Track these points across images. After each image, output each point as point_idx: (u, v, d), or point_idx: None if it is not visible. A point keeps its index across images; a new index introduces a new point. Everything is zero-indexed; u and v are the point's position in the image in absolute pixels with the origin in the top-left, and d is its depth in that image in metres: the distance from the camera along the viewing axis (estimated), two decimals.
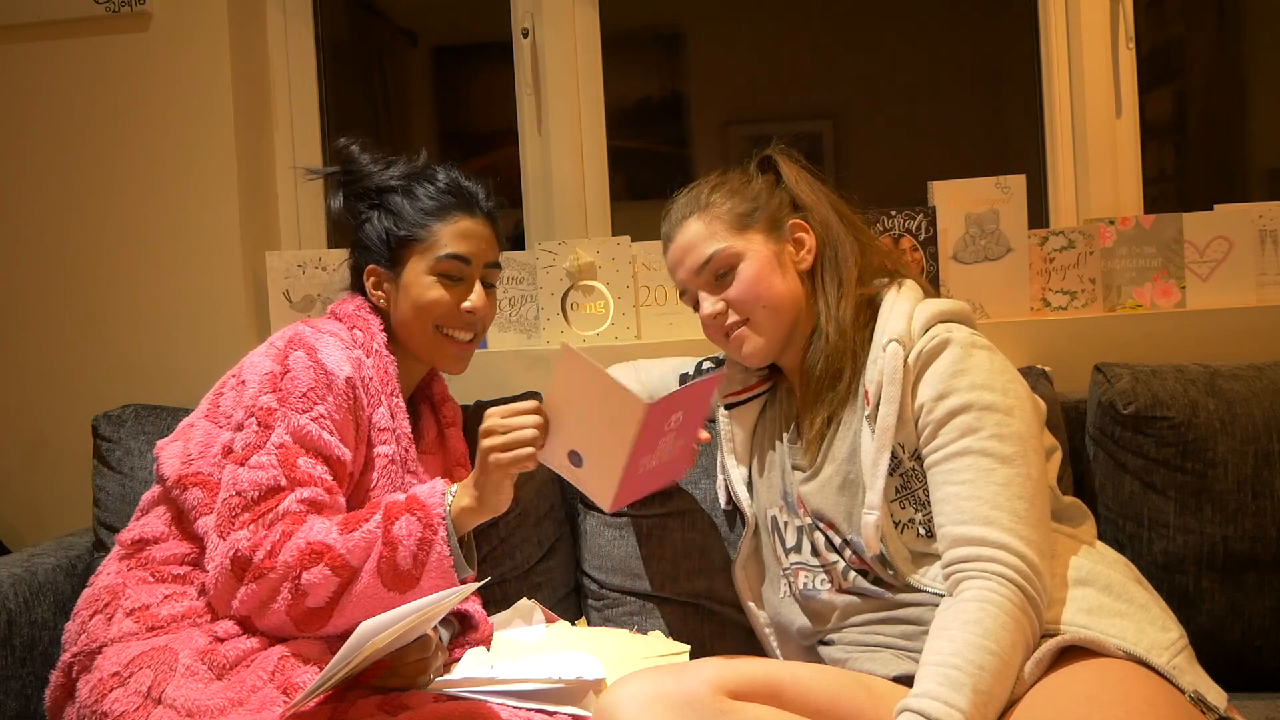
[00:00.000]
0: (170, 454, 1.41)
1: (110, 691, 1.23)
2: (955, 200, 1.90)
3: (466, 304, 1.47)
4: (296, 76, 2.20)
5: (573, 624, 1.56)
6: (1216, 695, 1.18)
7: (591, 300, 1.95)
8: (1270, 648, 1.55)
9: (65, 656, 1.32)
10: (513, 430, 1.24)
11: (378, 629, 1.11)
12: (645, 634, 1.53)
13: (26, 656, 1.53)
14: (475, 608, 1.48)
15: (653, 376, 1.70)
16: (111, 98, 2.03)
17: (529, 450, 1.23)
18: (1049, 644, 1.16)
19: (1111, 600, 1.23)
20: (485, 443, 1.25)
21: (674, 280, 1.45)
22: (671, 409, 1.22)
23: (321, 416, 1.33)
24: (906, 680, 1.25)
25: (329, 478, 1.32)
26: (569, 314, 1.95)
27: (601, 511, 1.67)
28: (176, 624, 1.30)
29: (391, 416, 1.43)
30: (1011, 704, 1.14)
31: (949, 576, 1.20)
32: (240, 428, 1.34)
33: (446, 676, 1.30)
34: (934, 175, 1.94)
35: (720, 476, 1.56)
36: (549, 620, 1.55)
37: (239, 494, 1.29)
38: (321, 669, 1.22)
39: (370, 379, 1.41)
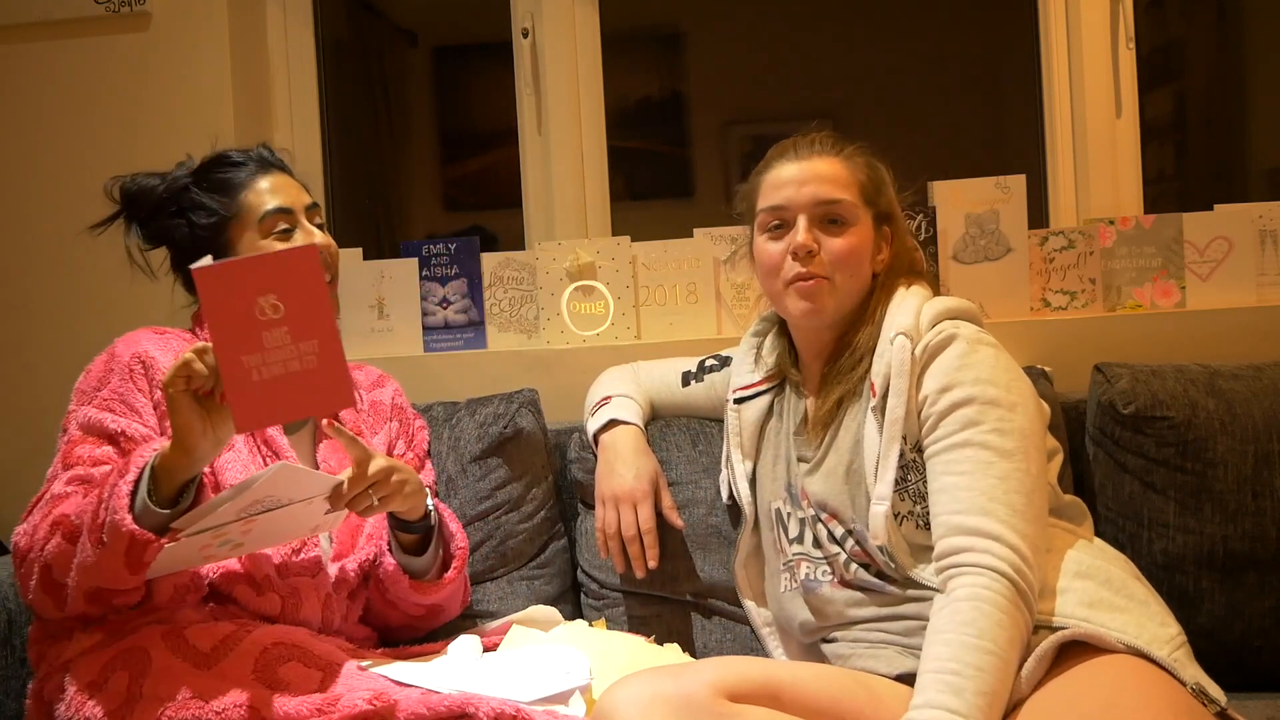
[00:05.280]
0: None
1: (88, 700, 1.22)
2: (955, 200, 1.90)
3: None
4: (296, 76, 2.20)
5: (589, 624, 1.55)
6: (1216, 692, 1.18)
7: (591, 300, 1.95)
8: (1270, 648, 1.55)
9: (34, 684, 1.32)
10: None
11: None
12: (662, 645, 1.52)
13: (26, 656, 1.53)
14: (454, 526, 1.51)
15: (653, 377, 1.70)
16: (112, 98, 2.03)
17: (188, 356, 1.15)
18: (1052, 638, 1.16)
19: (1111, 595, 1.24)
20: None
21: (775, 196, 1.39)
22: (242, 283, 1.11)
23: (105, 399, 1.35)
24: (909, 679, 1.25)
25: (112, 453, 1.32)
26: (569, 315, 1.95)
27: None
28: (135, 623, 1.28)
29: None
30: (1017, 704, 1.14)
31: (941, 571, 1.20)
32: None
33: (426, 674, 1.28)
34: (934, 175, 1.94)
35: (724, 471, 1.56)
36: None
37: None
38: (305, 661, 1.22)
39: None
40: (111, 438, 1.33)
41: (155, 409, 1.37)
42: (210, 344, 1.15)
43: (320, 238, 1.47)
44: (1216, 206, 1.91)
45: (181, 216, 1.48)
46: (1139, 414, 1.58)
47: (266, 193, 1.46)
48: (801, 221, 1.36)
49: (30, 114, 2.05)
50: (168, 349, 1.41)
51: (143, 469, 1.19)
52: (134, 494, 1.17)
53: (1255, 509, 1.54)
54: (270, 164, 1.51)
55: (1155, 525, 1.58)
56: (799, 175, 1.37)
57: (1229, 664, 1.40)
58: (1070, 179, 2.10)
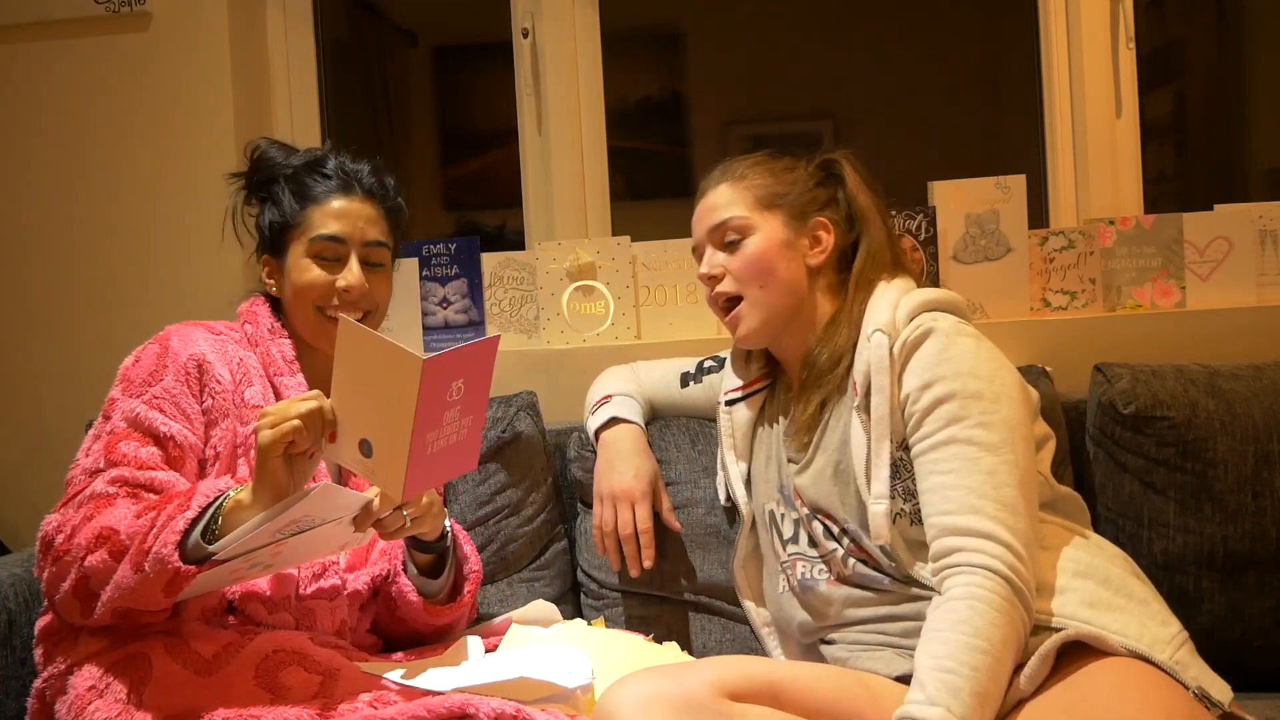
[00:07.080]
0: None
1: (88, 705, 1.21)
2: (955, 200, 1.90)
3: (341, 282, 1.44)
4: (296, 76, 2.20)
5: (589, 624, 1.55)
6: (1220, 690, 1.18)
7: (591, 300, 1.95)
8: (1270, 648, 1.55)
9: (37, 683, 1.31)
10: (285, 409, 1.17)
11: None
12: (660, 643, 1.52)
13: (26, 657, 1.53)
14: (469, 549, 1.50)
15: (652, 378, 1.70)
16: (112, 98, 2.03)
17: (294, 423, 1.15)
18: (1053, 639, 1.16)
19: (1110, 594, 1.23)
20: (258, 423, 1.18)
21: (693, 237, 1.49)
22: (451, 371, 1.15)
23: (156, 397, 1.33)
24: (908, 679, 1.25)
25: (157, 456, 1.31)
26: (569, 314, 1.95)
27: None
28: (140, 631, 1.28)
29: (264, 396, 1.40)
30: (1019, 703, 1.14)
31: (937, 573, 1.20)
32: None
33: (426, 676, 1.28)
34: (934, 175, 1.94)
35: (720, 473, 1.57)
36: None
37: (68, 484, 1.31)
38: (305, 666, 1.22)
39: (243, 360, 1.41)
40: (159, 440, 1.32)
41: (205, 415, 1.36)
42: (314, 404, 1.16)
43: (355, 277, 1.44)
44: (1216, 206, 1.91)
45: (266, 202, 1.50)
46: (1139, 414, 1.58)
47: (330, 215, 1.45)
48: (706, 253, 1.45)
49: (30, 114, 2.05)
50: (224, 355, 1.40)
51: (206, 508, 1.18)
52: (188, 528, 1.17)
53: (1255, 509, 1.54)
54: (354, 187, 1.48)
55: (1155, 525, 1.58)
56: (698, 213, 1.47)
57: (1229, 664, 1.40)
58: (1070, 179, 2.10)
